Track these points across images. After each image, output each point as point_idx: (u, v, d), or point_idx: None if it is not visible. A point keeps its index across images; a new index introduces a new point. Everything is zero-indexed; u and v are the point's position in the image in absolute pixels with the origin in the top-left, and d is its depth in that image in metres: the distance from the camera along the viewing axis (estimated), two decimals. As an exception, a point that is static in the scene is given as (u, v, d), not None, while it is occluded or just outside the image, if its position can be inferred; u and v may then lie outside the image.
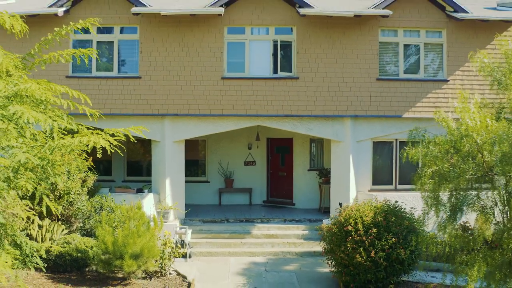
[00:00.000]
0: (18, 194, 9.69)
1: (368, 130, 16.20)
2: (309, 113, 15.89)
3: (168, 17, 15.46)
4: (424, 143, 8.17)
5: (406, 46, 16.41)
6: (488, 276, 8.44)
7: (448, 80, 16.24)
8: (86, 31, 15.81)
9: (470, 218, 10.18)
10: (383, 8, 15.58)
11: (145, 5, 15.24)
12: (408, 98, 16.15)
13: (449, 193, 8.12)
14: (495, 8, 17.55)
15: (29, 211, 9.95)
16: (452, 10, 16.03)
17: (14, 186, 9.59)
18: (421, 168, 8.32)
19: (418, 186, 8.39)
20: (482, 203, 7.96)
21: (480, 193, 7.97)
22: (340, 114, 15.93)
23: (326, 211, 17.13)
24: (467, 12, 15.88)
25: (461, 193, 7.85)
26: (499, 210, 7.95)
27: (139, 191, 16.19)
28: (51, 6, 15.55)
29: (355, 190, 16.21)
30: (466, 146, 7.54)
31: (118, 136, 9.67)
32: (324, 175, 17.78)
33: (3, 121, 9.50)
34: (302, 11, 15.08)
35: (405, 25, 16.25)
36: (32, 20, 15.36)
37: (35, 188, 9.70)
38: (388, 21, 16.00)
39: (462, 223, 11.87)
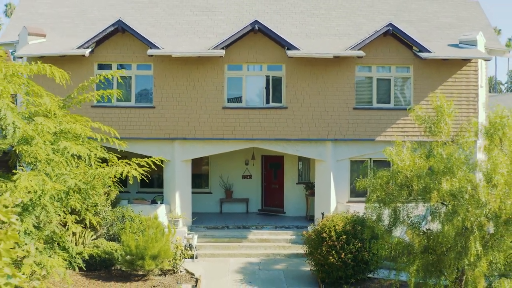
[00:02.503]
0: (68, 210, 12.63)
1: (346, 151, 19.18)
2: (296, 137, 18.88)
3: (178, 57, 18.43)
4: (369, 176, 11.15)
5: (379, 80, 19.39)
6: (421, 272, 11.39)
7: (414, 109, 19.16)
8: (109, 67, 18.93)
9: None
10: (359, 49, 18.55)
11: (158, 48, 18.21)
12: (380, 124, 19.12)
13: (390, 210, 11.08)
14: (457, 45, 20.47)
15: (76, 223, 12.93)
16: (418, 50, 18.99)
17: (65, 204, 12.70)
18: (369, 194, 11.29)
19: (367, 206, 11.37)
20: (410, 220, 10.93)
21: (410, 213, 10.93)
22: (322, 138, 18.92)
23: (311, 219, 20.08)
24: (430, 52, 18.84)
25: (395, 213, 10.80)
26: (425, 225, 10.91)
27: (153, 202, 19.17)
28: (79, 47, 18.47)
29: (335, 201, 19.19)
30: (399, 179, 10.51)
31: (144, 166, 12.78)
32: (310, 188, 20.75)
33: (55, 154, 12.64)
34: (290, 53, 18.08)
35: (378, 62, 19.23)
36: (62, 59, 18.40)
37: (81, 206, 12.77)
38: (363, 59, 18.94)
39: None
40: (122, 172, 12.37)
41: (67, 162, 12.68)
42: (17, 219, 4.24)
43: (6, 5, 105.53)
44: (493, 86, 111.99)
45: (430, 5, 23.35)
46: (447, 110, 11.14)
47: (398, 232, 13.57)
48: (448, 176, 9.85)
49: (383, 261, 14.94)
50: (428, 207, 10.87)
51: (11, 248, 3.97)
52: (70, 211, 13.13)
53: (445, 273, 10.75)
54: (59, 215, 12.20)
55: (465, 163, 10.68)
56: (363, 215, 15.40)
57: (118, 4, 22.12)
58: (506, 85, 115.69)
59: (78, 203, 12.33)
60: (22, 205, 11.50)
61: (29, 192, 11.22)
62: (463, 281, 10.63)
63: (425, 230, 10.99)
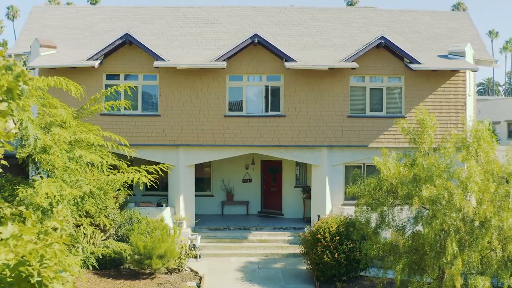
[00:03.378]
0: (83, 213, 13.74)
1: (341, 156, 20.30)
2: (294, 143, 20.01)
3: (182, 69, 19.55)
4: (359, 182, 12.29)
5: (372, 89, 20.51)
6: (406, 270, 12.50)
7: (406, 117, 20.28)
8: (117, 77, 20.05)
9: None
10: (353, 61, 19.66)
11: (164, 59, 19.33)
12: (373, 131, 20.24)
13: (377, 214, 12.21)
14: (446, 56, 21.62)
15: (90, 226, 14.04)
16: (409, 61, 20.11)
17: (80, 208, 13.84)
18: (359, 199, 12.43)
19: (357, 210, 12.50)
20: (395, 223, 12.04)
21: (395, 217, 12.05)
22: (318, 144, 20.05)
23: (308, 221, 21.18)
24: (420, 63, 19.96)
25: (382, 216, 11.92)
26: (409, 227, 12.03)
27: (159, 205, 20.28)
28: (88, 59, 19.59)
29: (330, 204, 20.31)
30: (385, 186, 11.63)
31: (152, 173, 13.92)
32: (307, 191, 21.87)
33: (71, 162, 13.81)
34: (287, 65, 19.20)
35: (371, 72, 20.36)
36: (72, 70, 19.52)
37: (95, 209, 13.90)
38: (357, 70, 20.04)
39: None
40: (133, 179, 13.53)
41: (82, 169, 13.86)
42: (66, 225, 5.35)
43: (8, 8, 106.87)
44: (491, 88, 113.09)
45: (423, 17, 24.49)
46: (429, 123, 12.25)
47: (389, 234, 14.72)
48: (428, 184, 10.97)
49: (374, 261, 16.05)
50: (412, 211, 11.99)
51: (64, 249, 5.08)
52: (85, 214, 14.23)
53: (428, 271, 11.86)
54: (75, 218, 13.32)
55: (445, 171, 11.80)
56: (355, 218, 16.58)
57: (125, 16, 23.25)
58: (504, 86, 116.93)
59: (93, 207, 13.47)
60: (41, 209, 12.60)
61: (48, 197, 12.36)
62: (444, 278, 11.74)
63: (412, 231, 12.10)
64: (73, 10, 24.28)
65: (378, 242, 12.17)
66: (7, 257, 4.99)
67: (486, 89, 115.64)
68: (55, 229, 5.32)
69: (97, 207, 13.87)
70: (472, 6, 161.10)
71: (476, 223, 10.92)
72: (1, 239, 5.06)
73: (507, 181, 12.37)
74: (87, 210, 13.73)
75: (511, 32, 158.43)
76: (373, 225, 12.15)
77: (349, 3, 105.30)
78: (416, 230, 11.78)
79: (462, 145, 11.61)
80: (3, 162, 6.19)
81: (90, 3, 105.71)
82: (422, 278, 12.75)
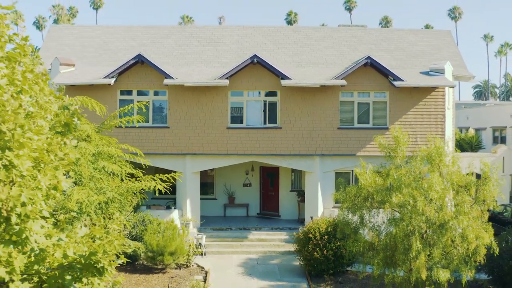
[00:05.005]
0: (108, 216, 15.99)
1: (332, 164, 22.57)
2: (289, 152, 22.28)
3: (189, 86, 21.81)
4: (341, 190, 14.58)
5: (359, 104, 22.77)
6: (381, 264, 14.73)
7: (389, 128, 22.57)
8: (130, 93, 22.32)
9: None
10: (342, 79, 21.93)
11: (172, 77, 21.59)
12: (360, 141, 22.51)
13: (357, 216, 14.47)
14: (428, 72, 23.88)
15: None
16: (392, 78, 22.37)
17: (105, 211, 16.12)
18: (341, 204, 14.72)
19: (340, 213, 14.77)
20: (372, 224, 14.32)
21: (371, 218, 14.32)
22: (311, 153, 22.31)
23: (302, 222, 23.45)
24: (403, 80, 22.21)
25: (361, 218, 14.20)
26: (384, 228, 14.30)
27: (168, 207, 22.56)
28: (105, 77, 21.83)
29: (322, 206, 22.57)
30: (363, 193, 13.91)
31: (166, 180, 16.17)
32: (301, 195, 24.14)
33: (96, 172, 16.10)
34: (283, 82, 21.48)
35: (359, 89, 22.62)
36: (90, 86, 21.78)
37: (119, 212, 16.13)
38: (346, 86, 22.29)
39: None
40: (149, 186, 15.81)
41: (105, 177, 16.16)
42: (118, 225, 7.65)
43: (12, 13, 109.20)
44: (487, 90, 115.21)
45: (407, 35, 26.79)
46: (402, 139, 14.51)
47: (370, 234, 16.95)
48: (397, 192, 13.24)
49: (358, 257, 18.28)
50: (387, 214, 14.26)
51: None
52: (108, 216, 16.49)
53: (400, 265, 14.11)
54: (101, 220, 15.56)
55: (414, 181, 14.05)
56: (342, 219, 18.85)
57: (136, 36, 25.54)
58: (500, 89, 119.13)
59: (116, 210, 15.74)
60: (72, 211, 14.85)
61: (78, 202, 14.62)
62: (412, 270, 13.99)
63: (385, 232, 14.37)
64: (89, 29, 26.54)
65: (360, 240, 14.43)
66: (83, 250, 7.27)
67: (482, 91, 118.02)
68: (114, 230, 7.57)
69: (119, 210, 16.15)
70: (469, 9, 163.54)
71: (436, 225, 13.19)
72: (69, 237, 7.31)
73: (468, 190, 14.65)
74: (111, 213, 15.99)
75: (507, 35, 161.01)
76: (353, 225, 14.40)
77: (347, 8, 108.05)
78: (389, 230, 14.03)
79: (427, 159, 13.88)
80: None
81: (93, 8, 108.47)
82: (396, 271, 14.99)
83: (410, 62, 24.71)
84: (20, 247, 6.80)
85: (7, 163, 6.39)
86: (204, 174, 25.05)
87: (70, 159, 7.30)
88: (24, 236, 6.71)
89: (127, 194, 16.32)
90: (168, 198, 24.69)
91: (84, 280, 7.37)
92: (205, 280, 18.07)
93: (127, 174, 16.71)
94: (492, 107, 41.31)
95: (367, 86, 22.63)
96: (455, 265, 14.01)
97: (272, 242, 21.85)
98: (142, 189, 17.58)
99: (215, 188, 25.94)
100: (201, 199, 23.92)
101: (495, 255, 14.68)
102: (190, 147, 22.18)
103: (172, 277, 18.23)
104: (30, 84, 6.91)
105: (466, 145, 35.37)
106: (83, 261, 7.31)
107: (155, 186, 15.71)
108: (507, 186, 28.79)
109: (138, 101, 22.47)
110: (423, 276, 13.38)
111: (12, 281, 6.58)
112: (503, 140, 34.26)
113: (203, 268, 19.25)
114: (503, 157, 28.99)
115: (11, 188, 6.42)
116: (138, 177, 16.77)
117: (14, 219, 6.55)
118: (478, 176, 34.04)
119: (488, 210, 28.61)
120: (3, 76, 6.58)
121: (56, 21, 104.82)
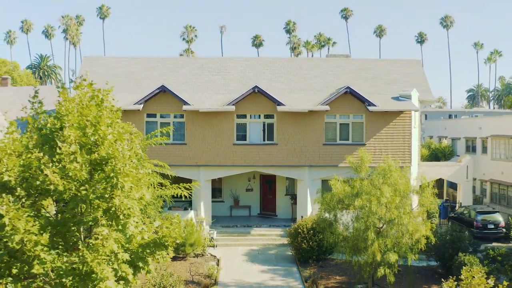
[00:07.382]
0: (147, 216, 21.15)
1: (318, 173, 27.75)
2: (284, 164, 27.47)
3: (203, 111, 26.98)
4: (319, 196, 19.75)
5: (341, 124, 27.94)
6: (350, 252, 19.82)
7: (366, 144, 27.76)
8: (154, 116, 27.48)
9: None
10: (326, 104, 27.10)
11: (189, 104, 26.76)
12: (342, 154, 27.64)
13: (331, 215, 19.64)
14: (398, 98, 29.01)
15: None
16: (368, 104, 27.53)
17: (144, 212, 21.20)
18: (320, 206, 19.91)
19: (318, 213, 19.94)
20: (342, 221, 19.48)
21: (341, 216, 19.47)
22: (301, 164, 27.49)
23: (295, 220, 28.56)
24: (375, 106, 27.37)
25: (334, 216, 19.36)
26: (351, 224, 19.47)
27: (185, 209, 27.75)
28: (135, 104, 27.00)
29: (311, 208, 27.75)
30: (335, 198, 19.09)
31: (189, 188, 21.31)
32: (294, 198, 29.33)
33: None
34: (279, 108, 26.68)
35: (340, 112, 27.79)
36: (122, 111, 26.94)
37: (154, 213, 21.29)
38: (330, 110, 27.43)
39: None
40: (177, 193, 20.96)
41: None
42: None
43: (22, 22, 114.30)
44: (477, 94, 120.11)
45: (385, 64, 32.00)
46: (366, 159, 19.68)
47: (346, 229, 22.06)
48: (359, 198, 18.40)
49: (335, 247, 23.39)
50: (352, 213, 19.44)
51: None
52: (147, 216, 21.64)
53: (362, 251, 19.24)
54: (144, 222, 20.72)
55: (373, 189, 19.20)
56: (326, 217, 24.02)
57: (156, 66, 30.76)
58: (492, 93, 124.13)
59: (152, 211, 20.93)
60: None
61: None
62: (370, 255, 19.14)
63: (352, 226, 19.52)
64: (116, 60, 31.74)
65: (335, 233, 19.58)
66: (154, 235, 12.46)
67: (475, 95, 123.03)
68: (167, 227, 12.76)
69: (158, 211, 21.33)
70: (461, 17, 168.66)
71: (386, 221, 18.39)
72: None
73: (419, 194, 19.80)
74: (148, 214, 21.14)
75: (496, 42, 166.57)
76: (328, 221, 19.58)
77: (344, 16, 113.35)
78: (354, 225, 19.20)
79: (379, 174, 19.06)
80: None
81: (100, 18, 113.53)
82: (362, 257, 20.14)
83: (385, 88, 29.88)
84: (122, 234, 12.06)
85: (120, 185, 11.64)
86: (214, 181, 30.22)
87: (146, 181, 12.61)
88: (127, 226, 11.99)
89: (160, 199, 21.51)
90: (184, 201, 29.86)
91: (157, 252, 12.60)
92: (218, 265, 23.24)
93: (158, 183, 21.88)
94: (465, 120, 46.38)
95: (347, 110, 27.79)
96: (403, 251, 19.17)
97: (270, 236, 27.01)
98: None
99: (223, 192, 31.12)
100: (212, 201, 29.06)
101: (432, 243, 19.87)
102: (204, 159, 27.34)
103: (191, 263, 23.42)
104: (131, 139, 12.24)
105: (440, 154, 40.51)
106: (157, 241, 12.56)
107: (181, 193, 20.86)
108: (469, 190, 33.90)
109: (161, 123, 27.76)
110: (378, 258, 18.53)
111: (118, 253, 11.79)
112: (474, 149, 39.22)
113: (215, 256, 24.44)
114: (467, 166, 34.02)
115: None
116: (166, 185, 21.94)
117: (121, 216, 11.80)
118: (442, 181, 40.34)
119: (454, 211, 34.38)
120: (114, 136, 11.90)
121: (65, 31, 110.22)
